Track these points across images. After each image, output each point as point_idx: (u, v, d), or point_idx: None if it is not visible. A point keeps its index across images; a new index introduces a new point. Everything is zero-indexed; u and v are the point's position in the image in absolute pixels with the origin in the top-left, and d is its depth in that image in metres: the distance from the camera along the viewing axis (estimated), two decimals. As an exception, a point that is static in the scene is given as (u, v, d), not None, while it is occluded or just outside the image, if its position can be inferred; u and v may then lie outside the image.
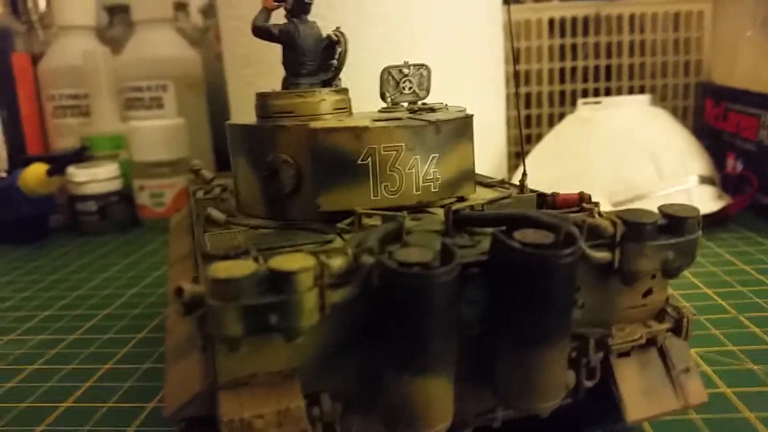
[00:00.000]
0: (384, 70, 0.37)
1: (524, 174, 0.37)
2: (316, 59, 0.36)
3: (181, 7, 1.13)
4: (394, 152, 0.31)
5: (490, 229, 0.26)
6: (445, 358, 0.24)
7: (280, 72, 0.37)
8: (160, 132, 0.86)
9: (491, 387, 0.26)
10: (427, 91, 0.38)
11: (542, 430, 0.31)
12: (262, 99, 0.35)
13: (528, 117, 0.91)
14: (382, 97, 0.37)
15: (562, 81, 0.91)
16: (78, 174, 0.82)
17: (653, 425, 0.33)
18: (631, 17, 0.89)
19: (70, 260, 0.72)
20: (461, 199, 0.34)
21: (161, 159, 0.85)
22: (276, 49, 0.36)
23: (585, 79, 0.91)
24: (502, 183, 0.39)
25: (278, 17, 0.36)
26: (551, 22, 0.90)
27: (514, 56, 0.43)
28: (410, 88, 0.38)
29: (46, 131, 1.01)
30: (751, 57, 0.79)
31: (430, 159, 0.32)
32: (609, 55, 0.91)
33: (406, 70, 0.37)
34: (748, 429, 0.33)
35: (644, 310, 0.30)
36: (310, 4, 0.36)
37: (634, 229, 0.27)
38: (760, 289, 0.51)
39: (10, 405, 0.40)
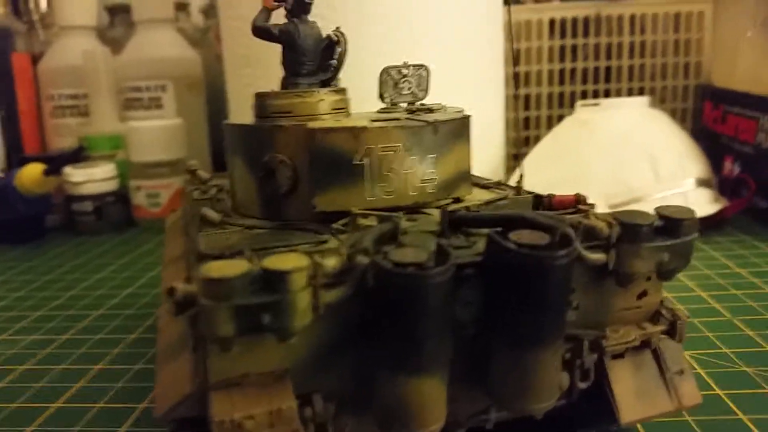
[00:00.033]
0: (383, 70, 0.37)
1: (521, 175, 0.37)
2: (315, 59, 0.36)
3: (182, 8, 1.13)
4: (392, 153, 0.31)
5: (485, 230, 0.26)
6: (439, 359, 0.24)
7: (280, 72, 0.37)
8: (158, 132, 0.86)
9: (485, 388, 0.26)
10: (426, 91, 0.38)
11: (536, 431, 0.31)
12: (261, 99, 0.35)
13: (527, 119, 0.91)
14: (381, 97, 0.37)
15: (562, 82, 0.91)
16: (74, 174, 0.82)
17: (647, 427, 0.33)
18: (632, 18, 0.89)
19: (65, 260, 0.72)
20: (457, 200, 0.34)
21: (159, 159, 0.85)
22: (276, 50, 0.36)
23: (584, 81, 0.91)
24: (498, 184, 0.39)
25: (279, 18, 0.36)
26: (551, 22, 0.90)
27: (515, 57, 0.42)
28: (409, 88, 0.38)
29: (44, 131, 1.01)
30: (751, 58, 0.79)
31: (427, 159, 0.32)
32: (609, 57, 0.91)
33: (405, 71, 0.37)
34: (742, 431, 0.33)
35: (639, 312, 0.30)
36: (310, 4, 0.36)
37: (629, 230, 0.27)
38: (754, 293, 0.51)
39: (0, 405, 0.39)
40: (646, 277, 0.28)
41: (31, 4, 1.07)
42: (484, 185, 0.39)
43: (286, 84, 0.36)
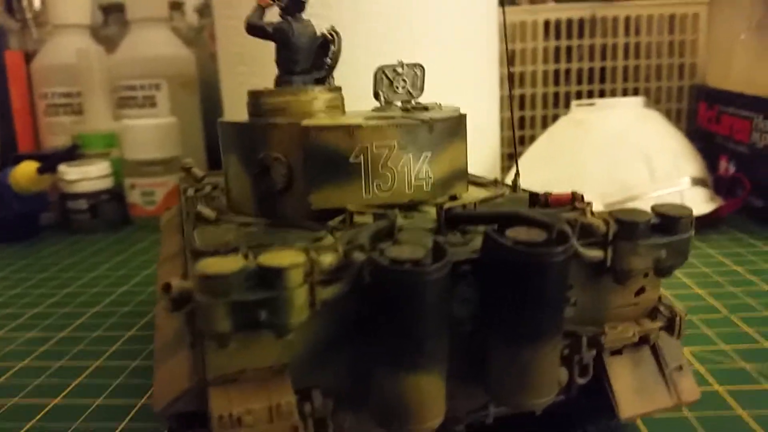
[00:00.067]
0: (377, 69, 0.37)
1: (517, 173, 0.37)
2: (309, 57, 0.36)
3: (176, 7, 1.13)
4: (387, 150, 0.31)
5: (482, 228, 0.26)
6: (437, 355, 0.24)
7: (274, 70, 0.36)
8: (152, 131, 0.86)
9: (483, 384, 0.26)
10: (421, 90, 0.38)
11: (536, 427, 0.31)
12: (255, 97, 0.35)
13: (522, 118, 0.91)
14: (376, 96, 0.37)
15: (557, 83, 0.92)
16: (69, 172, 0.81)
17: (646, 422, 0.33)
18: (626, 19, 0.90)
19: (60, 258, 0.71)
20: (453, 197, 0.34)
21: (153, 157, 0.85)
22: (270, 48, 0.36)
23: (579, 81, 0.92)
24: (494, 182, 0.39)
25: (275, 17, 0.36)
26: (546, 24, 0.90)
27: (508, 58, 0.42)
28: (404, 87, 0.37)
29: (37, 129, 1.00)
30: (745, 60, 0.79)
31: (422, 157, 0.32)
32: (603, 58, 0.91)
33: (399, 70, 0.37)
34: (741, 426, 0.33)
35: (637, 309, 0.29)
36: (304, 2, 0.35)
37: (626, 227, 0.27)
38: (751, 290, 0.51)
39: (-2, 402, 0.40)
40: (644, 274, 0.28)
41: (24, 2, 1.06)
42: (481, 183, 0.39)
43: (280, 82, 0.36)
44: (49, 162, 0.79)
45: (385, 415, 0.24)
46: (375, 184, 0.31)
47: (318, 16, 0.38)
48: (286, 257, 0.22)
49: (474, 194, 0.35)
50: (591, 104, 0.77)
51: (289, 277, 0.21)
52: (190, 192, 0.40)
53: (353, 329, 0.25)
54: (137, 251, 0.73)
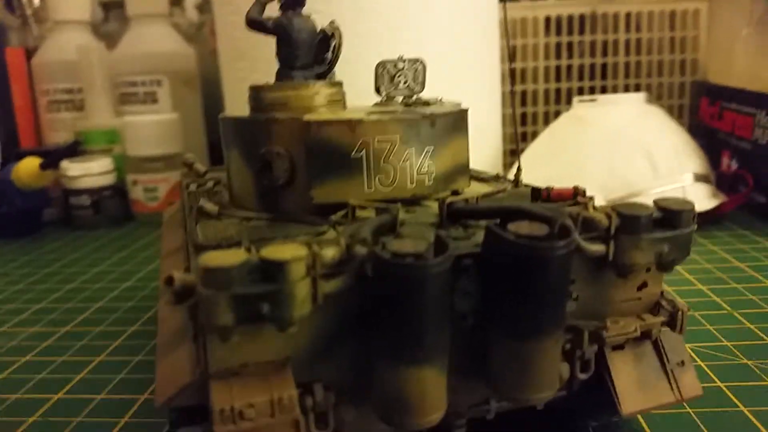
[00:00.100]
0: (379, 64, 0.37)
1: (519, 168, 0.37)
2: (310, 52, 0.36)
3: (176, 3, 1.13)
4: (388, 145, 0.31)
5: (484, 222, 0.26)
6: (438, 349, 0.24)
7: (275, 65, 0.36)
8: (154, 127, 0.86)
9: (485, 378, 0.26)
10: (422, 85, 0.38)
11: (537, 422, 0.31)
12: (256, 92, 0.35)
13: (523, 115, 0.91)
14: (377, 91, 0.37)
15: (558, 79, 0.91)
16: (71, 168, 0.82)
17: (648, 418, 0.33)
18: (627, 16, 0.89)
19: (63, 254, 0.72)
20: (456, 192, 0.34)
21: (155, 154, 0.85)
22: (270, 43, 0.36)
23: (581, 78, 0.91)
24: (496, 177, 0.39)
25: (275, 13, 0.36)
26: (548, 20, 0.90)
27: (510, 54, 0.42)
28: (405, 82, 0.37)
29: (39, 125, 1.00)
30: (746, 56, 0.79)
31: (424, 152, 0.32)
32: (605, 54, 0.91)
33: (400, 65, 0.37)
34: (743, 423, 0.33)
35: (639, 303, 0.29)
36: (304, -2, 0.35)
37: (628, 221, 0.26)
38: (754, 286, 0.51)
39: (1, 396, 0.39)
40: (646, 269, 0.28)
41: (25, -1, 1.06)
42: (483, 178, 0.39)
43: (280, 77, 0.36)
44: (51, 158, 0.80)
45: (386, 408, 0.24)
46: (377, 179, 0.31)
47: (318, 12, 0.38)
48: (288, 251, 0.22)
49: (476, 189, 0.35)
50: (593, 100, 0.77)
51: (291, 271, 0.21)
52: (193, 187, 0.40)
53: (355, 323, 0.25)
54: (139, 247, 0.73)
